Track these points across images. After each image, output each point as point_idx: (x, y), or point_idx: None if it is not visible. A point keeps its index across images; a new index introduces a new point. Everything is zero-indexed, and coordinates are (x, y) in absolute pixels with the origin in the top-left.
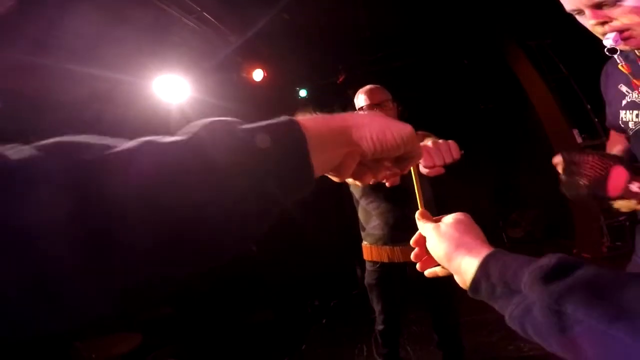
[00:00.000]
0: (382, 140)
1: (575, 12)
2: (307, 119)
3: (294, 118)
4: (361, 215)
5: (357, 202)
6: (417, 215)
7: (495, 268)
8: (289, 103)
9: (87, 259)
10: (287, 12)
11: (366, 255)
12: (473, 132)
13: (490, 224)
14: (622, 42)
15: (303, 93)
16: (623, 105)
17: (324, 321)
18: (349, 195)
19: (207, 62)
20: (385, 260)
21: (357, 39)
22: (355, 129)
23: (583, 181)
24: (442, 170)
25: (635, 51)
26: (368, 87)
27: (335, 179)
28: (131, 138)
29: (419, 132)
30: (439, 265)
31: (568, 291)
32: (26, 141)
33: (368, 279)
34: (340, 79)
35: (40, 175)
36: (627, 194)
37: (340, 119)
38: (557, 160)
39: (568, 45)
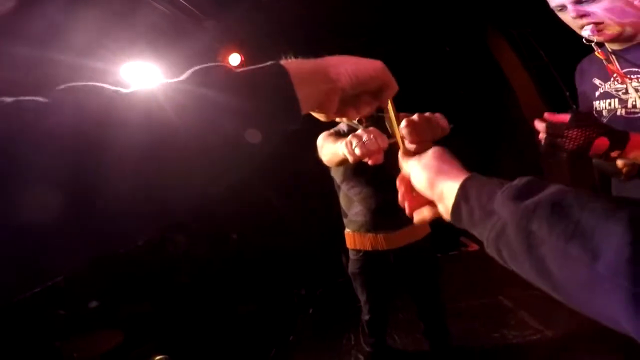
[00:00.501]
0: (357, 74)
1: (558, 9)
2: (287, 62)
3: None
4: (343, 201)
5: (339, 187)
6: (399, 154)
7: (473, 190)
8: None
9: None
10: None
11: (349, 244)
12: (454, 118)
13: None
14: (597, 33)
15: None
16: (596, 96)
17: (310, 311)
18: (332, 180)
19: (179, 47)
20: (369, 248)
21: (339, 24)
22: (332, 67)
23: (564, 153)
24: (430, 147)
25: (607, 45)
26: None
27: (322, 118)
28: None
29: (401, 114)
30: (424, 205)
31: (534, 209)
32: None
33: (352, 267)
34: None
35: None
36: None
37: (316, 61)
38: (540, 127)
39: (548, 34)
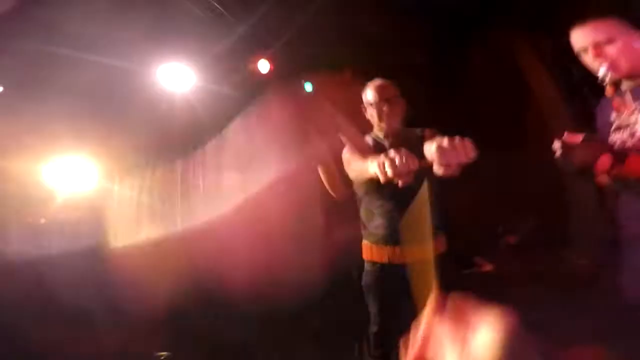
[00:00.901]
0: None
1: (582, 51)
2: None
3: None
4: (363, 213)
5: (360, 200)
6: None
7: None
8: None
9: None
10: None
11: (366, 255)
12: (480, 136)
13: (489, 229)
14: (611, 70)
15: (308, 87)
16: (612, 130)
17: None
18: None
19: (213, 50)
20: (386, 260)
21: (367, 36)
22: None
23: (574, 166)
24: (457, 171)
25: (624, 82)
26: (378, 82)
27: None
28: (134, 126)
29: (428, 130)
30: None
31: None
32: None
33: (366, 279)
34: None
35: None
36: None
37: None
38: (556, 145)
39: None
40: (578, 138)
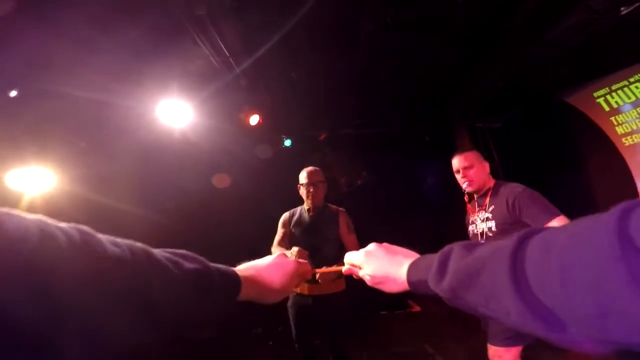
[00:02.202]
0: (267, 293)
1: (455, 172)
2: (244, 273)
3: (239, 275)
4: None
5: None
6: (346, 258)
7: (419, 268)
8: (274, 149)
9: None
10: (295, 72)
11: None
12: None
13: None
14: (469, 185)
15: (288, 143)
16: (469, 222)
17: (270, 343)
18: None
19: (214, 94)
20: (298, 291)
21: (346, 106)
22: (261, 284)
23: None
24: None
25: (474, 194)
26: (310, 168)
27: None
28: (135, 161)
29: (340, 209)
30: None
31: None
32: None
33: (288, 303)
34: (322, 137)
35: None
36: None
37: (257, 275)
38: None
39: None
40: None
